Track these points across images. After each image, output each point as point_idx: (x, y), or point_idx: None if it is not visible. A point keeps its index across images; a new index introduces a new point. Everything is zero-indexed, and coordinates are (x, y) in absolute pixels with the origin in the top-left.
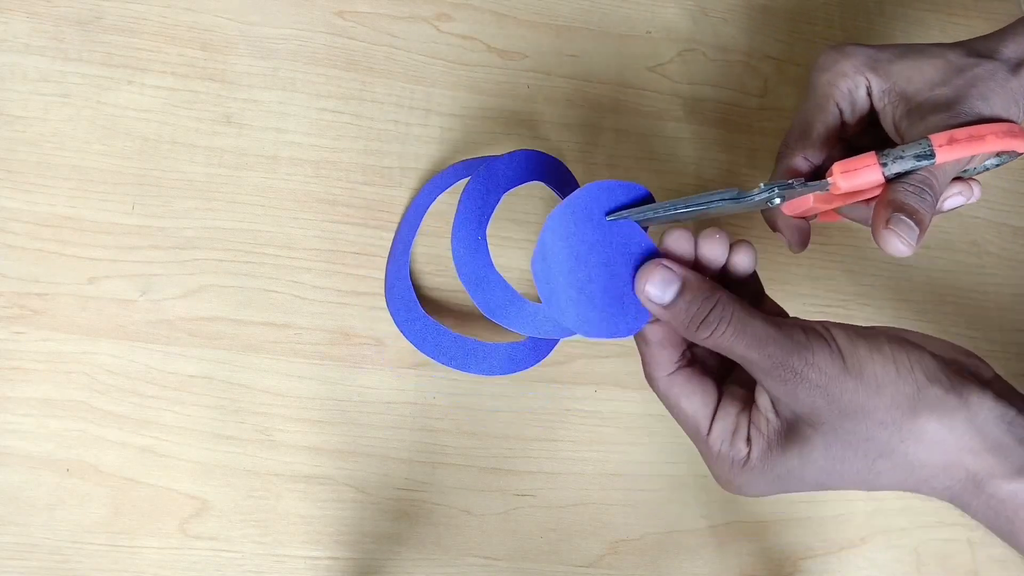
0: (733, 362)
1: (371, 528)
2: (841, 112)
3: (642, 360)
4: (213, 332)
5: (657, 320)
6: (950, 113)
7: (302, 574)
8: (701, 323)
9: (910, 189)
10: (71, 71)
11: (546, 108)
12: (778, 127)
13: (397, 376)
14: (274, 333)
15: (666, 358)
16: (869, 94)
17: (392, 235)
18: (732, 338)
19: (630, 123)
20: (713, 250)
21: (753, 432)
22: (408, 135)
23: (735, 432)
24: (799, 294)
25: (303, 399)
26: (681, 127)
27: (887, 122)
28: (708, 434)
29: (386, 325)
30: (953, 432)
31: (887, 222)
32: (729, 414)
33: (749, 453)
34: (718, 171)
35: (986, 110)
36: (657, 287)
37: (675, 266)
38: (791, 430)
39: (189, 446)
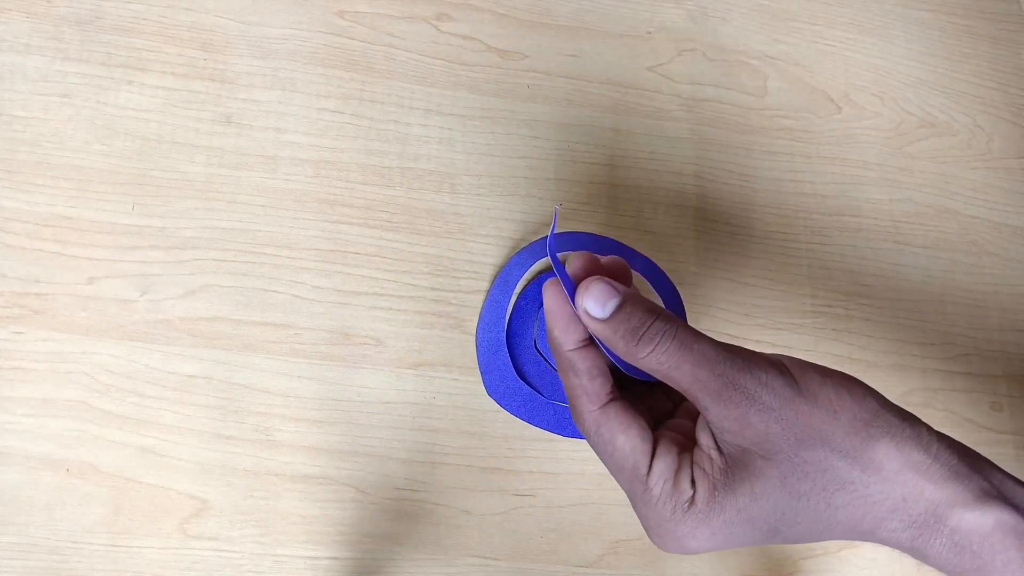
0: (662, 409)
1: (371, 528)
2: None
3: (569, 396)
4: (213, 332)
5: (586, 346)
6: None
7: (302, 574)
8: (642, 337)
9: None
10: (71, 71)
11: (546, 108)
12: (778, 127)
13: (397, 376)
14: (274, 333)
15: (598, 388)
16: None
17: (392, 234)
18: (678, 354)
19: (630, 123)
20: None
21: (697, 472)
22: (408, 135)
23: (678, 471)
24: (799, 294)
25: (303, 399)
26: (681, 127)
27: None
28: (648, 472)
29: (385, 325)
30: (911, 459)
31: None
32: (670, 452)
33: (694, 495)
34: (717, 171)
35: None
36: (596, 301)
37: (614, 282)
38: (739, 466)
39: (189, 446)
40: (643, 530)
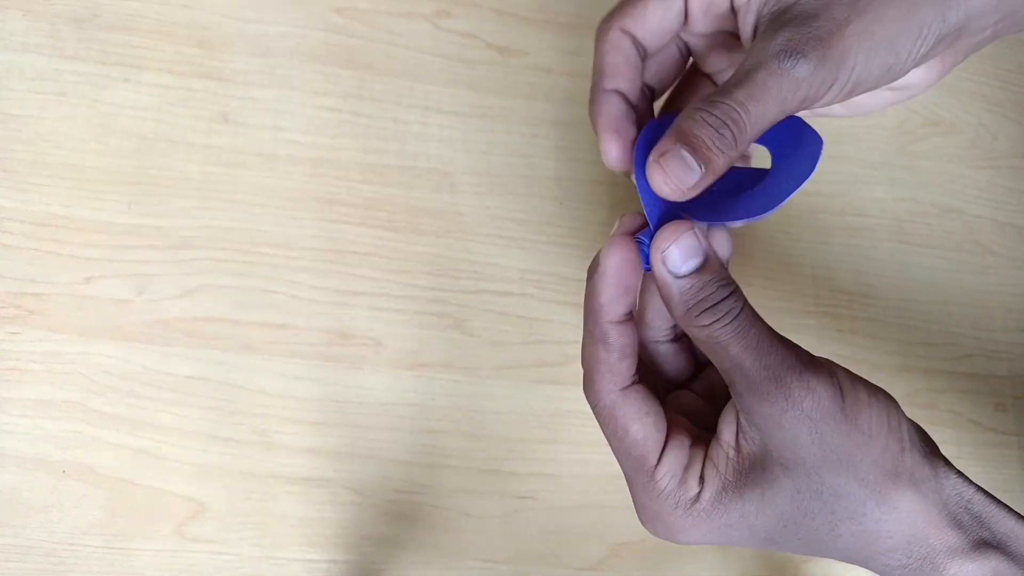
0: (681, 370)
1: (369, 531)
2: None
3: (590, 371)
4: (210, 332)
5: (626, 320)
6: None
7: None
8: (708, 308)
9: (707, 118)
10: (67, 69)
11: (546, 106)
12: None
13: (396, 377)
14: (272, 333)
15: (624, 369)
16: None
17: (391, 234)
18: (733, 334)
19: None
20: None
21: (708, 470)
22: (407, 133)
23: (688, 467)
24: (802, 293)
25: (301, 400)
26: None
27: (746, 29)
28: (657, 465)
29: (384, 325)
30: (926, 503)
31: (662, 154)
32: (682, 445)
33: (700, 494)
34: None
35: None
36: (683, 253)
37: (701, 236)
38: (755, 469)
39: (186, 448)
40: (645, 533)
